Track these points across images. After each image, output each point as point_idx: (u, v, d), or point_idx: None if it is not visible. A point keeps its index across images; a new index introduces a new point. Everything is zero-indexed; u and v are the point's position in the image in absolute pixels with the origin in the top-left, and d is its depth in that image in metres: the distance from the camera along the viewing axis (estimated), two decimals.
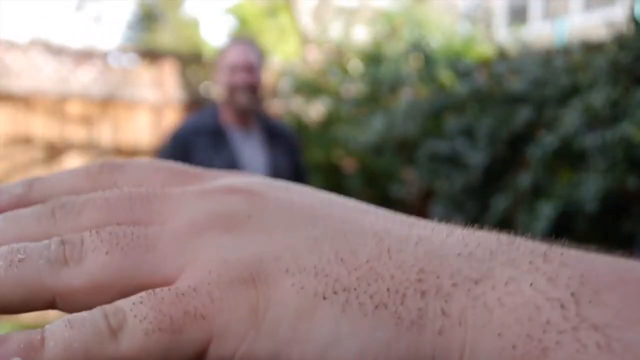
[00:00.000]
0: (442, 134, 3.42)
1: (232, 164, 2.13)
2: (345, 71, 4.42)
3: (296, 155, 2.40)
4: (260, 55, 2.38)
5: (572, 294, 0.23)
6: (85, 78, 5.77)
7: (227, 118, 2.30)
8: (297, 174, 2.34)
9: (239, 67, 2.27)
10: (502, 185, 2.86)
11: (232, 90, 2.26)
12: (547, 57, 3.04)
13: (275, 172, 2.17)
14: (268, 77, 6.27)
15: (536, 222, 2.35)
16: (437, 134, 3.49)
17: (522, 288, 0.24)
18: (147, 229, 0.27)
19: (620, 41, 2.65)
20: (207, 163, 2.05)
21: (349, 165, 4.05)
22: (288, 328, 0.24)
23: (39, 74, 5.65)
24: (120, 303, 0.25)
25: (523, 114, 2.83)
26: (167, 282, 0.26)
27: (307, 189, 0.31)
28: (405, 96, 3.89)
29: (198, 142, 2.21)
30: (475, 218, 3.00)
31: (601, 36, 2.95)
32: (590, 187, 2.29)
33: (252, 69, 2.29)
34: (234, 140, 2.25)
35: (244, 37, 2.54)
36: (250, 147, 2.27)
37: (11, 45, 5.59)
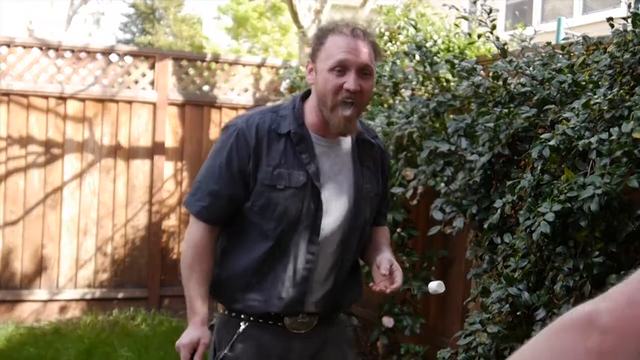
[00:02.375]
0: (442, 134, 3.41)
1: (306, 174, 1.82)
2: None
3: (384, 173, 2.04)
4: (377, 52, 1.87)
5: None
6: (84, 78, 5.76)
7: (312, 120, 1.87)
8: (381, 197, 2.03)
9: (349, 66, 1.77)
10: (502, 185, 2.86)
11: (334, 95, 1.78)
12: (548, 57, 3.04)
13: (358, 191, 1.89)
14: (269, 77, 6.26)
15: (537, 222, 2.34)
16: (437, 134, 3.49)
17: None
18: None
19: (622, 41, 2.64)
20: (278, 169, 1.82)
21: None
22: None
23: (38, 74, 5.64)
24: None
25: (524, 114, 2.83)
26: None
27: None
28: (406, 96, 3.89)
29: (271, 143, 1.83)
30: (475, 218, 3.00)
31: (601, 35, 2.94)
32: (591, 187, 2.28)
33: (366, 72, 1.80)
34: (314, 148, 1.85)
35: (357, 23, 1.83)
36: (334, 158, 1.89)
37: (11, 45, 5.58)
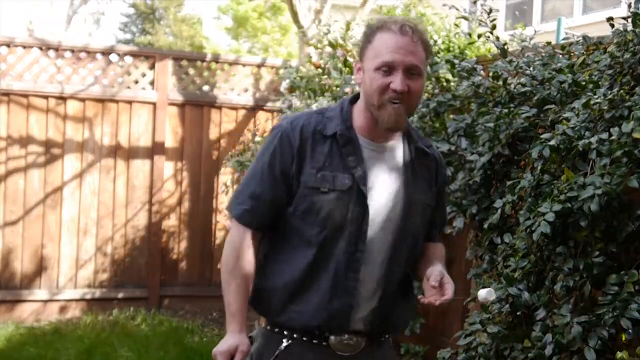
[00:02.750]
0: (442, 134, 3.41)
1: (352, 178, 1.73)
2: (345, 71, 4.42)
3: (438, 184, 1.90)
4: (428, 51, 1.76)
5: None
6: (84, 78, 5.76)
7: (361, 123, 1.79)
8: (434, 209, 1.90)
9: (396, 66, 1.69)
10: (502, 185, 2.85)
11: (380, 95, 1.71)
12: (548, 57, 3.03)
13: (409, 199, 1.78)
14: (269, 77, 6.26)
15: (537, 222, 2.34)
16: (437, 134, 3.49)
17: None
18: None
19: (622, 41, 2.64)
20: (322, 171, 1.73)
21: None
22: None
23: (38, 74, 5.64)
24: None
25: (524, 114, 2.83)
26: None
27: None
28: None
29: (316, 145, 1.75)
30: (475, 218, 3.00)
31: (602, 35, 2.94)
32: (591, 187, 2.28)
33: (414, 72, 1.71)
34: (362, 152, 1.76)
35: (407, 20, 1.75)
36: (383, 163, 1.78)
37: (11, 45, 5.58)
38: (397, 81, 1.68)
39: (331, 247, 1.74)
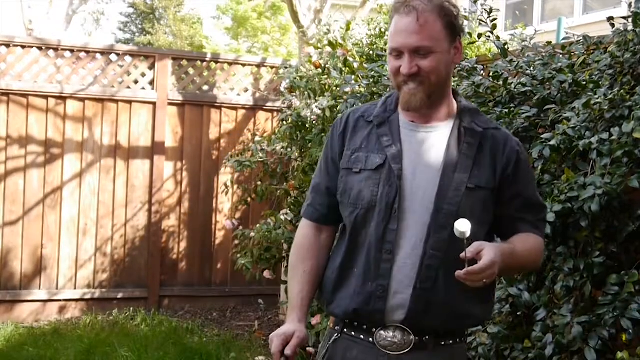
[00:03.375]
0: None
1: (384, 157, 1.71)
2: (345, 70, 4.41)
3: (508, 169, 1.74)
4: (447, 16, 1.71)
5: None
6: (84, 78, 5.76)
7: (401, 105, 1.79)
8: (509, 197, 1.74)
9: (402, 51, 1.69)
10: None
11: (395, 77, 1.73)
12: (549, 57, 3.03)
13: (446, 179, 1.68)
14: (269, 76, 6.26)
15: None
16: None
17: None
18: None
19: (622, 40, 2.63)
20: (357, 152, 1.76)
21: None
22: None
23: (38, 74, 5.63)
24: None
25: (524, 114, 2.82)
26: None
27: None
28: None
29: (358, 130, 1.79)
30: None
31: (602, 35, 2.94)
32: (591, 187, 2.28)
33: (423, 51, 1.68)
34: (399, 132, 1.75)
35: None
36: (423, 144, 1.74)
37: (10, 45, 5.57)
38: (404, 65, 1.69)
39: (364, 228, 1.72)
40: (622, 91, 2.40)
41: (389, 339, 1.69)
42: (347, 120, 1.82)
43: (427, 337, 1.69)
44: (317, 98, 4.59)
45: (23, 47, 5.62)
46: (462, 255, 1.55)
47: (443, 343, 1.71)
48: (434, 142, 1.74)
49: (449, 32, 1.71)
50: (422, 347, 1.68)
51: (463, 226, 1.54)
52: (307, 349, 1.85)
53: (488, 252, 1.55)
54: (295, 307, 1.78)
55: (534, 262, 1.83)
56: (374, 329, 1.70)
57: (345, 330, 1.75)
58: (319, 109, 4.39)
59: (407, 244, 1.68)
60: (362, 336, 1.72)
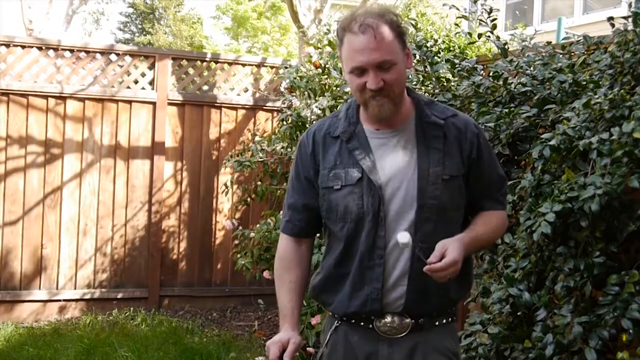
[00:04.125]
0: None
1: (361, 170, 1.80)
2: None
3: (472, 151, 1.85)
4: (399, 32, 1.79)
5: None
6: (84, 78, 5.76)
7: (366, 115, 1.86)
8: (475, 178, 1.86)
9: (365, 68, 1.75)
10: None
11: (361, 94, 1.79)
12: (549, 57, 3.03)
13: (423, 175, 1.78)
14: (269, 76, 6.25)
15: (537, 222, 2.33)
16: None
17: None
18: None
19: (622, 40, 2.63)
20: (334, 170, 1.84)
21: None
22: None
23: (38, 74, 5.63)
24: None
25: (524, 114, 2.82)
26: None
27: None
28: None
29: (328, 147, 1.87)
30: None
31: (602, 35, 2.94)
32: (592, 187, 2.27)
33: (387, 65, 1.75)
34: (368, 143, 1.84)
35: (369, 13, 1.78)
36: (393, 148, 1.83)
37: (10, 45, 5.57)
38: (370, 81, 1.75)
39: (355, 238, 1.82)
40: (622, 91, 2.40)
41: (388, 324, 1.82)
42: (314, 139, 1.90)
43: (422, 319, 1.83)
44: (317, 98, 4.59)
45: (23, 47, 5.62)
46: (429, 259, 1.69)
47: (437, 323, 1.86)
48: (402, 144, 1.83)
49: (401, 42, 1.79)
50: (419, 328, 1.82)
51: (403, 238, 1.71)
52: (307, 349, 1.91)
53: (451, 251, 1.70)
54: (287, 316, 1.91)
55: (496, 238, 2.04)
56: (373, 317, 1.83)
57: (345, 319, 1.88)
58: (319, 109, 4.39)
59: (397, 244, 1.78)
60: (362, 323, 1.85)
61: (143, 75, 5.92)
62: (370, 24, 1.74)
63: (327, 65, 4.59)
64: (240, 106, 6.16)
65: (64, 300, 5.63)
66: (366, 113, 1.84)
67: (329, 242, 1.93)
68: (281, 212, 2.01)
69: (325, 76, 4.66)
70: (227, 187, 5.61)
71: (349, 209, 1.81)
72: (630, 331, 2.16)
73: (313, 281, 1.97)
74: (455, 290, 1.86)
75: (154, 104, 5.90)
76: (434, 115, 1.85)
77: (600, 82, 2.65)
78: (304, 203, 1.92)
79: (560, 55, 3.03)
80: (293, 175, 1.96)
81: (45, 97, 5.61)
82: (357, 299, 1.82)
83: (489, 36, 3.18)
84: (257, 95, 6.21)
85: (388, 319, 1.81)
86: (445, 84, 3.69)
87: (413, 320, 1.81)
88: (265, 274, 4.77)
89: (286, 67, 5.56)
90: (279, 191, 5.15)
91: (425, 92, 3.87)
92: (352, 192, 1.81)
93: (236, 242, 5.23)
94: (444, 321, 1.87)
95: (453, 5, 3.56)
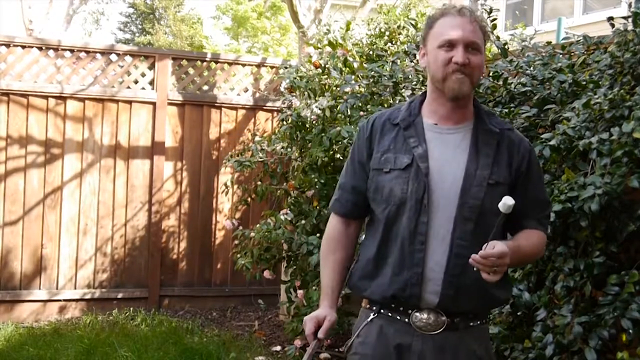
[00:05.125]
0: None
1: (412, 157, 1.86)
2: (345, 70, 4.41)
3: (521, 166, 1.89)
4: (485, 33, 1.92)
5: None
6: (84, 78, 5.76)
7: (428, 109, 1.94)
8: (521, 195, 1.86)
9: (456, 43, 1.84)
10: None
11: (444, 67, 1.85)
12: (549, 57, 3.03)
13: (469, 175, 1.83)
14: (269, 76, 6.25)
15: None
16: None
17: None
18: None
19: (622, 40, 2.63)
20: (386, 154, 1.90)
21: None
22: None
23: (38, 74, 5.63)
24: None
25: (524, 114, 2.82)
26: None
27: None
28: (406, 96, 3.88)
29: (385, 133, 1.95)
30: None
31: (602, 35, 2.94)
32: (591, 187, 2.27)
33: (474, 47, 1.86)
34: (424, 134, 1.90)
35: (465, 6, 1.95)
36: (447, 144, 1.89)
37: (10, 45, 5.57)
38: (458, 54, 1.83)
39: (397, 222, 1.87)
40: (622, 91, 2.40)
41: (424, 320, 1.85)
42: (374, 125, 1.97)
43: (458, 319, 1.85)
44: (317, 98, 4.59)
45: (23, 47, 5.62)
46: (473, 257, 1.70)
47: (472, 324, 1.88)
48: (456, 142, 1.89)
49: (484, 40, 1.91)
50: (453, 327, 1.85)
51: (507, 202, 1.69)
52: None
53: (501, 245, 1.72)
54: (327, 294, 1.98)
55: (536, 256, 2.01)
56: (410, 311, 1.86)
57: (382, 311, 1.90)
58: (319, 109, 4.39)
59: (437, 235, 1.83)
60: (398, 317, 1.87)
61: (143, 75, 5.92)
62: (467, 10, 1.89)
63: (327, 65, 4.59)
64: (240, 106, 6.16)
65: (64, 300, 5.63)
66: (433, 106, 1.92)
67: (371, 228, 1.97)
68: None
69: (325, 76, 4.66)
70: (227, 187, 5.61)
71: (394, 192, 1.86)
72: (630, 331, 2.16)
73: (352, 269, 2.00)
74: (493, 292, 1.86)
75: (154, 104, 5.90)
76: (491, 125, 1.92)
77: (600, 82, 2.65)
78: (353, 185, 1.99)
79: (560, 55, 3.03)
80: (349, 158, 2.03)
81: (46, 97, 5.61)
82: (397, 282, 1.85)
83: (489, 36, 3.18)
84: (257, 95, 6.21)
85: (424, 315, 1.85)
86: None
87: (448, 319, 1.84)
88: (266, 273, 4.77)
89: (286, 67, 5.55)
90: (279, 191, 5.15)
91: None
92: (399, 177, 1.86)
93: (236, 242, 5.22)
94: (478, 322, 1.90)
95: (453, 6, 3.55)
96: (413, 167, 1.86)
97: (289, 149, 4.94)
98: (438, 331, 1.84)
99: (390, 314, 1.89)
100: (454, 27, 1.86)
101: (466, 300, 1.84)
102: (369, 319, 1.92)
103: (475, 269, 1.73)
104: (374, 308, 1.92)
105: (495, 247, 1.70)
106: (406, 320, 1.86)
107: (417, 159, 1.86)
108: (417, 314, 1.85)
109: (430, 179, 1.84)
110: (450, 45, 1.84)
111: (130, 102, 5.84)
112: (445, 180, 1.84)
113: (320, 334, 1.90)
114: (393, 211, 1.87)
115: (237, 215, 6.07)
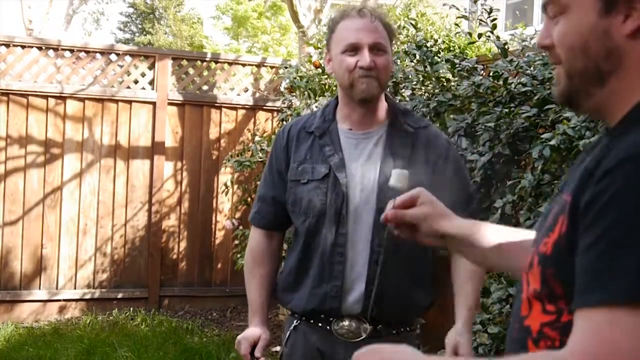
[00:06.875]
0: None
1: (328, 166, 1.83)
2: None
3: (438, 162, 1.85)
4: (390, 31, 1.88)
5: None
6: (84, 77, 5.76)
7: (341, 114, 1.90)
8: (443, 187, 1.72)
9: (360, 46, 1.79)
10: (503, 185, 2.85)
11: (350, 73, 1.81)
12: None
13: (385, 180, 1.66)
14: (269, 76, 6.26)
15: (538, 222, 2.33)
16: None
17: None
18: None
19: None
20: (303, 164, 1.87)
21: None
22: None
23: (38, 74, 5.63)
24: None
25: (524, 114, 2.82)
26: None
27: None
28: (406, 95, 3.88)
29: (301, 141, 1.90)
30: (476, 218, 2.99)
31: None
32: None
33: (380, 48, 1.81)
34: (340, 141, 1.86)
35: (365, 6, 1.92)
36: (362, 150, 1.85)
37: (10, 45, 5.57)
38: (363, 58, 1.79)
39: (316, 234, 1.84)
40: None
41: (345, 328, 1.83)
42: (289, 133, 1.93)
43: (380, 326, 1.83)
44: (317, 98, 4.59)
45: (23, 47, 5.62)
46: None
47: (395, 331, 1.85)
48: (371, 146, 1.86)
49: (389, 39, 1.87)
50: (376, 335, 1.81)
51: (396, 178, 1.43)
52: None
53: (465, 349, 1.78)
54: (256, 311, 1.96)
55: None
56: (332, 319, 1.84)
57: (304, 318, 1.89)
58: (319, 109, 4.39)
59: (357, 244, 1.81)
60: (320, 324, 1.86)
61: (143, 75, 5.92)
62: (368, 11, 1.84)
63: None
64: (240, 106, 6.16)
65: (64, 300, 5.63)
66: (347, 110, 1.87)
67: (295, 239, 1.95)
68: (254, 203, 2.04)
69: (325, 76, 4.65)
70: (227, 187, 5.61)
71: (312, 204, 1.83)
72: None
73: (277, 280, 2.00)
74: (415, 298, 1.87)
75: (154, 104, 5.90)
76: (406, 124, 1.88)
77: None
78: (273, 195, 1.95)
79: None
80: (266, 168, 2.00)
81: (45, 97, 5.61)
82: (316, 296, 1.83)
83: (489, 36, 3.18)
84: (257, 95, 6.21)
85: (346, 322, 1.82)
86: (445, 84, 3.69)
87: (371, 326, 1.81)
88: None
89: (286, 67, 5.55)
90: None
91: (425, 92, 3.87)
92: (317, 187, 1.83)
93: (236, 242, 5.23)
94: (402, 330, 1.87)
95: (453, 5, 3.56)
96: (330, 177, 1.82)
97: None
98: (360, 339, 1.80)
99: (312, 321, 1.87)
100: (356, 30, 1.80)
101: (387, 307, 1.81)
102: (293, 327, 1.91)
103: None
104: (296, 315, 1.91)
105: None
106: (327, 327, 1.84)
107: (334, 169, 1.82)
108: (339, 321, 1.83)
109: (348, 189, 1.81)
110: (354, 49, 1.79)
111: (130, 102, 5.84)
112: (364, 189, 1.81)
113: (257, 353, 1.87)
114: (313, 223, 1.84)
115: (237, 215, 6.07)
